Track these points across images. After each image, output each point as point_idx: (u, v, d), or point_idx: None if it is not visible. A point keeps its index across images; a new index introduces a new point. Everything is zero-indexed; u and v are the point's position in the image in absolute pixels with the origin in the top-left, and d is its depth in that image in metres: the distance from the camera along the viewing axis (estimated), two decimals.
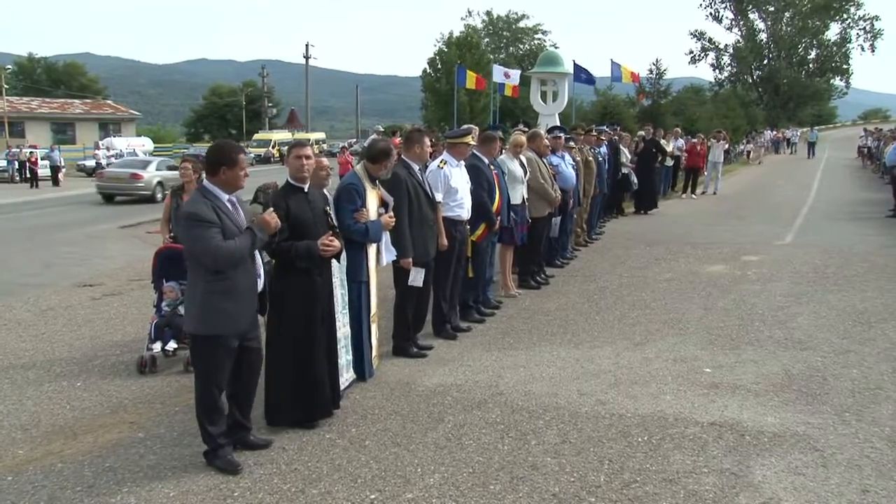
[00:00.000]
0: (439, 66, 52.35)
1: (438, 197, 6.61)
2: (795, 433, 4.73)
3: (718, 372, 5.95)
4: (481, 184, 7.53)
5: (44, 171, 31.34)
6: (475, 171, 7.53)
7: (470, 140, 7.15)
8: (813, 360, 6.22)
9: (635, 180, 15.95)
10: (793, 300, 8.34)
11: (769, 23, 65.72)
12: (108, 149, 39.01)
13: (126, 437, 4.83)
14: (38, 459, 4.53)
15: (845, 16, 63.42)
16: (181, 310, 6.42)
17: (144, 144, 48.17)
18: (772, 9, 65.05)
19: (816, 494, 3.94)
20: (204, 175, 4.35)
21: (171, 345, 6.24)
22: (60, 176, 31.61)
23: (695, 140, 21.18)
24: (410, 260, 6.16)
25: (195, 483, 4.15)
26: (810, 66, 66.37)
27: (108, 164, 35.73)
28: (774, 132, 51.69)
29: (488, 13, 68.82)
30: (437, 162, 6.91)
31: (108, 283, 10.26)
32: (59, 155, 32.37)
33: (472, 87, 29.76)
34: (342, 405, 5.17)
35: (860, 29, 63.40)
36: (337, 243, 4.80)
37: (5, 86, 51.66)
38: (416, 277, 6.25)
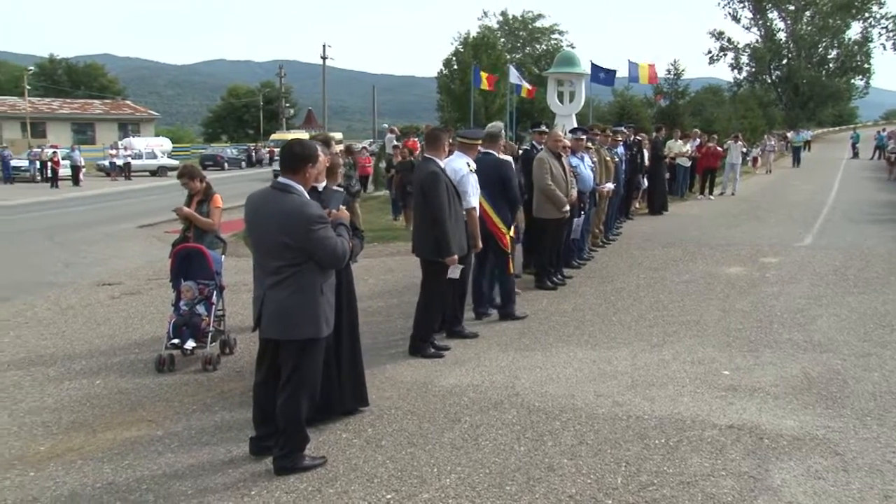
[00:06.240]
0: (455, 66, 52.28)
1: (473, 202, 6.69)
2: (815, 437, 4.68)
3: (737, 374, 5.90)
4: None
5: (65, 170, 31.79)
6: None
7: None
8: (833, 362, 6.16)
9: (643, 180, 15.96)
10: (812, 302, 8.26)
11: (789, 22, 65.06)
12: (125, 148, 39.43)
13: (144, 435, 4.87)
14: (60, 456, 4.58)
15: (867, 14, 62.66)
16: (199, 309, 6.47)
17: (163, 144, 48.78)
18: (792, 8, 64.39)
19: (837, 499, 3.89)
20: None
21: (190, 343, 6.26)
22: (80, 176, 32.04)
23: (710, 143, 20.94)
24: (456, 257, 6.24)
25: (213, 481, 4.18)
26: (830, 65, 65.57)
27: (125, 164, 36.27)
28: (794, 133, 51.09)
29: (503, 13, 68.79)
30: (465, 166, 6.77)
31: (127, 282, 10.36)
32: (79, 155, 32.86)
33: (485, 88, 29.61)
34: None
35: (882, 28, 62.69)
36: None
37: (27, 87, 52.36)
38: (454, 270, 6.34)
